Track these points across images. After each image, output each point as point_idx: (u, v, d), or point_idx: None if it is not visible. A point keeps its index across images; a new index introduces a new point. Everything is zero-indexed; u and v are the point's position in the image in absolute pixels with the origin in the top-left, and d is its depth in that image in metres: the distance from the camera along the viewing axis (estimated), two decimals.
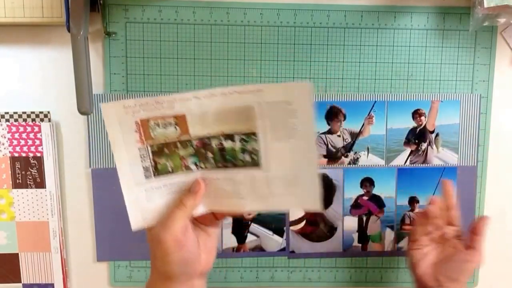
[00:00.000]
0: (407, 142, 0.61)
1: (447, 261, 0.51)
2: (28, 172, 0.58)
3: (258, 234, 0.61)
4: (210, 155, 0.41)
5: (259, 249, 0.62)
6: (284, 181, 0.41)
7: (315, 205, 0.40)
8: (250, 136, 0.40)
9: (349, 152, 0.61)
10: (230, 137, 0.40)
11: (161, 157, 0.41)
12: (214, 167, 0.42)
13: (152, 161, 0.41)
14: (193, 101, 0.39)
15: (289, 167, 0.40)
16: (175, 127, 0.40)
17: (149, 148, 0.41)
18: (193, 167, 0.42)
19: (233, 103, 0.39)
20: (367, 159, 0.61)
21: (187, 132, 0.41)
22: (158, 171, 0.42)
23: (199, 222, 0.43)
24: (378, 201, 0.62)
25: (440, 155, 0.61)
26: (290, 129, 0.39)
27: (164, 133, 0.40)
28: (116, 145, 0.40)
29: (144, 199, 0.42)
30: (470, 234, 0.51)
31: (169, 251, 0.39)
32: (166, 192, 0.42)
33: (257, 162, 0.41)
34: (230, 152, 0.41)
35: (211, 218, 0.44)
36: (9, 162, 0.58)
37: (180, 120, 0.40)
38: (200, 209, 0.43)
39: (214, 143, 0.41)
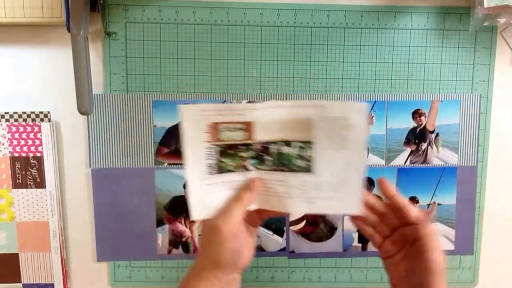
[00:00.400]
0: (407, 142, 0.61)
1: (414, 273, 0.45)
2: (28, 172, 0.58)
3: (258, 234, 0.61)
4: (268, 158, 0.46)
5: (259, 249, 0.62)
6: (332, 186, 0.45)
7: (357, 210, 0.46)
8: (307, 144, 0.45)
9: None
10: (288, 144, 0.45)
11: (225, 156, 0.46)
12: (270, 169, 0.46)
13: (216, 160, 0.46)
14: (262, 111, 0.44)
15: (338, 174, 0.45)
16: (242, 132, 0.45)
17: (216, 147, 0.45)
18: (251, 168, 0.46)
19: (296, 115, 0.44)
20: (367, 159, 0.61)
21: (252, 137, 0.45)
22: (220, 168, 0.46)
23: (244, 220, 0.46)
24: None
25: (440, 155, 0.61)
26: (344, 141, 0.44)
27: (231, 136, 0.45)
28: (188, 143, 0.45)
29: (205, 192, 0.46)
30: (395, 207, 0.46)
31: (225, 239, 0.43)
32: (224, 188, 0.46)
33: (310, 168, 0.45)
34: (286, 157, 0.46)
35: (255, 218, 0.47)
36: (9, 162, 0.58)
37: (248, 126, 0.45)
38: (252, 206, 0.47)
39: (274, 148, 0.46)
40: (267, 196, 0.47)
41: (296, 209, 0.47)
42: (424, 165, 0.61)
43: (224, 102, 0.59)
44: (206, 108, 0.44)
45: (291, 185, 0.46)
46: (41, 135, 0.58)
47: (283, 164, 0.46)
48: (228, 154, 0.46)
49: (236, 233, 0.43)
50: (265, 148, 0.46)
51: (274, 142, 0.46)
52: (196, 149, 0.45)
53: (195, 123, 0.44)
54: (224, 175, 0.46)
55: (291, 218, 0.48)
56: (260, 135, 0.45)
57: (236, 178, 0.47)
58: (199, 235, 0.46)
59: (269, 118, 0.45)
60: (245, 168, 0.47)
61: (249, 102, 0.48)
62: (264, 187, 0.47)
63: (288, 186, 0.46)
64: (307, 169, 0.46)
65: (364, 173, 0.45)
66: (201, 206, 0.46)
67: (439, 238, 0.44)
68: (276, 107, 0.45)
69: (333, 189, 0.45)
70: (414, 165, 0.61)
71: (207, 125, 0.44)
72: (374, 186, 0.61)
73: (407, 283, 0.45)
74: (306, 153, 0.45)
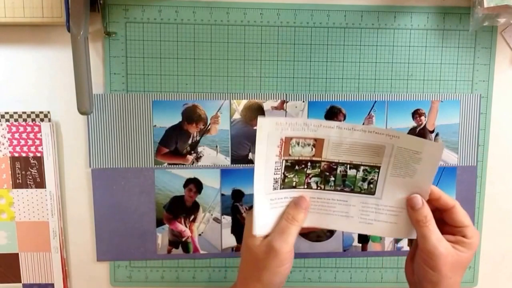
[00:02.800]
0: None
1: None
2: (28, 172, 0.58)
3: None
4: (332, 178, 0.47)
5: None
6: (392, 211, 0.46)
7: (411, 236, 0.47)
8: (373, 168, 0.46)
9: None
10: (355, 167, 0.46)
11: (291, 172, 0.46)
12: (332, 189, 0.47)
13: (282, 174, 0.46)
14: (335, 130, 0.44)
15: (399, 200, 0.46)
16: (311, 148, 0.45)
17: (284, 162, 0.45)
18: (313, 185, 0.47)
19: (369, 140, 0.44)
20: None
21: (320, 155, 0.46)
22: (284, 184, 0.46)
23: None
24: None
25: None
26: (411, 171, 0.44)
27: (301, 152, 0.45)
28: (260, 155, 0.44)
29: (268, 206, 0.46)
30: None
31: (284, 262, 0.43)
32: (285, 204, 0.46)
33: (373, 191, 0.47)
34: (351, 179, 0.46)
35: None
36: (9, 162, 0.58)
37: (318, 143, 0.45)
38: (304, 224, 0.47)
39: (340, 170, 0.46)
40: (324, 215, 0.47)
41: (353, 229, 0.48)
42: None
43: (221, 106, 0.59)
44: (280, 121, 0.44)
45: (351, 205, 0.47)
46: (41, 135, 0.58)
47: (346, 185, 0.47)
48: (294, 170, 0.46)
49: (292, 253, 0.44)
50: (331, 168, 0.46)
51: (342, 164, 0.46)
52: (266, 163, 0.45)
53: (269, 136, 0.44)
54: (286, 190, 0.46)
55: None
56: (329, 154, 0.46)
57: (296, 194, 0.47)
58: (240, 246, 0.46)
59: (341, 139, 0.45)
60: (308, 186, 0.47)
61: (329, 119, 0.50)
62: (322, 205, 0.47)
63: (348, 206, 0.47)
64: (370, 192, 0.47)
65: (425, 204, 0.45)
66: (264, 221, 0.45)
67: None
68: (351, 129, 0.44)
69: (391, 214, 0.46)
70: None
71: (281, 139, 0.44)
72: None
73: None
74: (371, 176, 0.46)
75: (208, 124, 0.59)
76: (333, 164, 0.46)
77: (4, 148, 0.58)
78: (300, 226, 0.45)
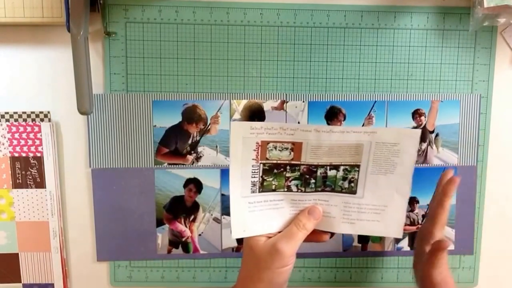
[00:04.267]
0: None
1: None
2: (28, 172, 0.58)
3: None
4: (312, 181, 0.46)
5: None
6: (374, 209, 0.47)
7: (398, 233, 0.47)
8: (353, 167, 0.46)
9: None
10: (335, 167, 0.46)
11: (269, 175, 0.46)
12: (313, 191, 0.47)
13: (260, 178, 0.46)
14: (312, 133, 0.44)
15: (381, 197, 0.46)
16: (290, 152, 0.45)
17: (261, 166, 0.45)
18: (294, 188, 0.47)
19: (347, 140, 0.44)
20: None
21: (299, 158, 0.45)
22: (263, 187, 0.46)
23: None
24: None
25: (440, 155, 0.61)
26: (391, 165, 0.45)
27: (279, 155, 0.45)
28: (234, 159, 0.45)
29: (247, 210, 0.46)
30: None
31: (287, 263, 0.44)
32: (266, 207, 0.47)
33: (354, 190, 0.47)
34: (331, 179, 0.47)
35: None
36: (9, 162, 0.58)
37: (296, 147, 0.45)
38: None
39: (320, 171, 0.46)
40: None
41: (337, 229, 0.48)
42: (424, 165, 0.61)
43: (221, 106, 0.59)
44: (255, 126, 0.44)
45: (333, 205, 0.47)
46: (41, 135, 0.58)
47: (326, 185, 0.47)
48: (273, 173, 0.46)
49: (294, 256, 0.45)
50: (311, 171, 0.46)
51: (321, 166, 0.46)
52: (242, 167, 0.45)
53: (245, 140, 0.44)
54: (266, 194, 0.47)
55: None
56: (308, 157, 0.45)
57: (278, 198, 0.47)
58: (239, 249, 0.48)
59: (319, 141, 0.45)
60: (288, 189, 0.47)
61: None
62: (304, 207, 0.47)
63: (330, 206, 0.47)
64: (351, 191, 0.47)
65: (408, 198, 0.46)
66: (242, 224, 0.46)
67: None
68: (329, 131, 0.44)
69: (375, 212, 0.47)
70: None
71: (257, 143, 0.44)
72: None
73: None
74: (351, 175, 0.46)
75: (208, 124, 0.59)
76: (313, 166, 0.46)
77: (4, 148, 0.58)
78: (307, 234, 0.46)
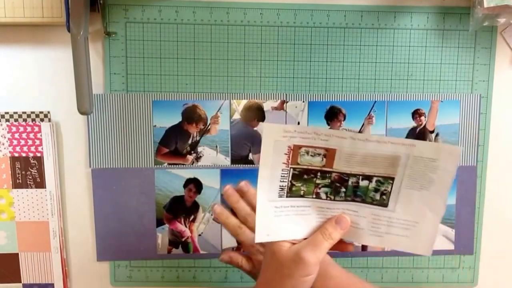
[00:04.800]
0: None
1: None
2: (28, 172, 0.58)
3: None
4: (343, 189, 0.45)
5: None
6: (405, 224, 0.45)
7: (427, 252, 0.45)
8: (387, 179, 0.44)
9: None
10: (368, 177, 0.44)
11: (299, 181, 0.44)
12: (343, 200, 0.45)
13: (289, 182, 0.44)
14: (348, 140, 0.42)
15: (413, 213, 0.44)
16: (322, 158, 0.43)
17: (291, 170, 0.44)
18: (323, 196, 0.45)
19: (383, 150, 0.42)
20: None
21: (331, 165, 0.44)
22: (291, 192, 0.45)
23: None
24: None
25: None
26: (427, 181, 0.43)
27: (310, 161, 0.43)
28: (265, 162, 0.43)
29: (273, 214, 0.44)
30: None
31: (311, 272, 0.43)
32: (292, 213, 0.45)
33: (386, 203, 0.45)
34: (363, 189, 0.44)
35: None
36: (9, 162, 0.58)
37: (329, 153, 0.43)
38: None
39: (351, 181, 0.44)
40: None
41: (364, 240, 0.46)
42: None
43: (221, 106, 0.59)
44: (289, 129, 0.42)
45: (362, 216, 0.46)
46: (41, 135, 0.58)
47: (357, 195, 0.45)
48: (303, 179, 0.45)
49: (316, 268, 0.44)
50: (342, 179, 0.45)
51: (353, 175, 0.44)
52: (272, 170, 0.44)
53: (276, 143, 0.43)
54: (294, 199, 0.45)
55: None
56: (340, 165, 0.44)
57: (305, 204, 0.45)
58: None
59: (353, 150, 0.43)
60: (317, 196, 0.45)
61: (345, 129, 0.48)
62: (332, 216, 0.46)
63: (359, 217, 0.46)
64: (382, 203, 0.45)
65: (441, 217, 0.44)
66: (267, 228, 0.44)
67: None
68: (364, 140, 0.42)
69: (405, 227, 0.45)
70: None
71: (288, 147, 0.43)
72: None
73: None
74: (384, 187, 0.44)
75: (208, 124, 0.59)
76: (345, 175, 0.44)
77: (4, 148, 0.58)
78: (333, 244, 0.45)
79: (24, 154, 0.58)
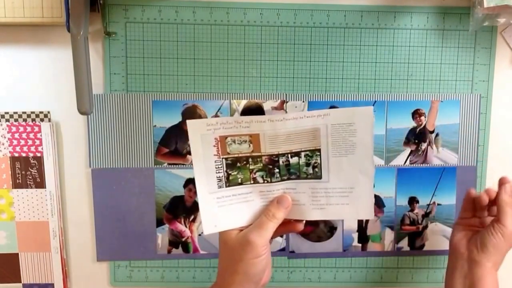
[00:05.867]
0: (407, 142, 0.61)
1: (478, 234, 0.53)
2: (28, 172, 0.58)
3: None
4: (276, 170, 0.47)
5: None
6: (341, 192, 0.47)
7: (368, 215, 0.47)
8: (314, 152, 0.46)
9: None
10: (296, 154, 0.46)
11: (234, 169, 0.46)
12: (279, 180, 0.47)
13: (225, 173, 0.46)
14: (267, 123, 0.45)
15: (347, 179, 0.46)
16: (249, 144, 0.46)
17: (224, 161, 0.46)
18: (260, 180, 0.47)
19: (302, 125, 0.45)
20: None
21: (259, 149, 0.46)
22: (229, 181, 0.47)
23: None
24: (377, 201, 0.62)
25: (440, 155, 0.62)
26: (350, 146, 0.45)
27: (239, 149, 0.46)
28: (196, 156, 0.45)
29: (216, 205, 0.47)
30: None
31: (260, 253, 0.44)
32: (235, 201, 0.47)
33: (319, 175, 0.46)
34: (295, 166, 0.47)
35: None
36: (9, 162, 0.58)
37: (254, 138, 0.45)
38: None
39: (282, 160, 0.46)
40: None
41: (308, 216, 0.48)
42: (424, 165, 0.61)
43: (221, 106, 0.59)
44: (211, 122, 0.45)
45: (301, 192, 0.47)
46: (41, 135, 0.58)
47: (291, 173, 0.47)
48: (237, 167, 0.46)
49: (268, 246, 0.45)
50: (273, 160, 0.47)
51: (282, 154, 0.46)
52: (205, 163, 0.46)
53: (203, 137, 0.45)
54: (233, 188, 0.47)
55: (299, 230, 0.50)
56: (267, 148, 0.46)
57: (246, 191, 0.47)
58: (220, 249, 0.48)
59: (275, 131, 0.45)
60: (255, 181, 0.47)
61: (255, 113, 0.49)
62: (273, 198, 0.47)
63: (298, 193, 0.47)
64: (316, 176, 0.47)
65: (373, 177, 0.46)
66: (213, 220, 0.46)
67: None
68: (282, 119, 0.45)
69: (343, 195, 0.46)
70: (414, 165, 0.61)
71: (215, 139, 0.45)
72: (374, 186, 0.61)
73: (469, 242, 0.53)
74: (313, 160, 0.46)
75: None
76: (274, 156, 0.46)
77: (4, 148, 0.58)
78: (278, 223, 0.46)
79: (24, 154, 0.58)
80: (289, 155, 0.46)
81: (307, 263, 0.63)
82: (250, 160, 0.46)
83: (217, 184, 0.46)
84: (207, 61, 0.58)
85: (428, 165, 0.62)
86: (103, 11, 0.56)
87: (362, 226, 0.62)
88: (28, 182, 0.58)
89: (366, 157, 0.45)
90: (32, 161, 0.58)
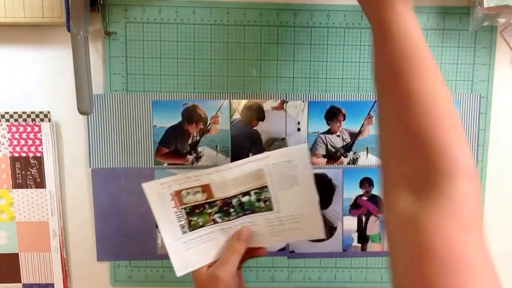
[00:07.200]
0: None
1: None
2: (28, 172, 0.58)
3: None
4: (232, 209, 0.52)
5: None
6: (293, 218, 0.51)
7: (319, 235, 0.53)
8: (262, 188, 0.51)
9: (349, 152, 0.61)
10: (246, 193, 0.51)
11: (193, 215, 0.52)
12: (236, 217, 0.52)
13: (186, 220, 0.51)
14: (214, 174, 0.50)
15: (296, 207, 0.51)
16: (202, 193, 0.51)
17: (183, 210, 0.51)
18: (219, 220, 0.52)
19: (246, 170, 0.50)
20: (366, 159, 0.61)
21: (212, 196, 0.51)
22: (192, 226, 0.52)
23: None
24: (377, 201, 0.62)
25: None
26: (293, 179, 0.50)
27: (194, 198, 0.51)
28: (157, 212, 0.50)
29: (184, 249, 0.52)
30: None
31: (229, 285, 0.49)
32: (201, 241, 0.52)
33: (271, 207, 0.52)
34: (247, 203, 0.52)
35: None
36: (9, 162, 0.58)
37: (205, 188, 0.50)
38: None
39: (234, 201, 0.51)
40: None
41: (268, 242, 0.53)
42: None
43: (221, 106, 0.59)
44: (164, 181, 0.49)
45: (257, 224, 0.52)
46: (41, 135, 0.58)
47: (246, 209, 0.52)
48: (196, 213, 0.51)
49: (234, 278, 0.50)
50: (226, 203, 0.51)
51: (234, 196, 0.51)
52: (167, 216, 0.50)
53: (159, 195, 0.50)
54: (197, 231, 0.52)
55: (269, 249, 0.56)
56: (219, 193, 0.51)
57: (209, 231, 0.52)
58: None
59: (223, 179, 0.50)
60: (214, 221, 0.52)
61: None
62: (236, 231, 0.52)
63: (255, 225, 0.52)
64: (268, 208, 0.52)
65: (318, 202, 0.51)
66: (183, 262, 0.51)
67: None
68: (227, 169, 0.50)
69: (294, 221, 0.52)
70: None
71: (171, 194, 0.50)
72: (373, 186, 0.62)
73: None
74: (263, 195, 0.51)
75: (208, 124, 0.59)
76: (227, 199, 0.51)
77: (4, 148, 0.58)
78: (241, 254, 0.51)
79: (24, 154, 0.58)
80: (240, 196, 0.51)
81: (307, 263, 0.63)
82: (206, 205, 0.51)
83: (181, 230, 0.51)
84: (207, 61, 0.58)
85: None
86: (103, 11, 0.56)
87: (361, 226, 0.62)
88: (28, 182, 0.58)
89: (309, 187, 0.50)
90: (32, 161, 0.58)
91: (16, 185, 0.58)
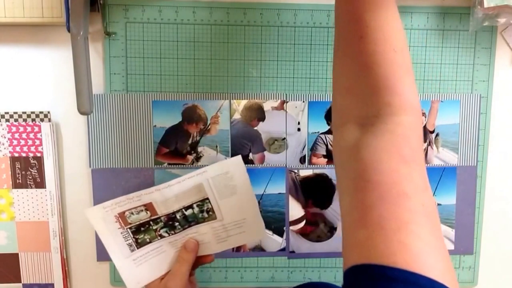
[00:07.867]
0: None
1: None
2: (28, 172, 0.58)
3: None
4: (176, 223, 0.53)
5: (259, 249, 0.62)
6: (236, 224, 0.54)
7: (261, 236, 0.58)
8: (204, 201, 0.53)
9: None
10: (189, 207, 0.53)
11: (140, 233, 0.53)
12: (182, 230, 0.54)
13: (133, 238, 0.53)
14: (155, 193, 0.51)
15: (238, 213, 0.54)
16: (146, 212, 0.52)
17: (128, 230, 0.52)
18: (165, 234, 0.54)
19: (186, 186, 0.52)
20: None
21: (156, 213, 0.52)
22: (139, 244, 0.53)
23: None
24: None
25: (440, 155, 0.62)
26: (232, 188, 0.53)
27: (138, 217, 0.52)
28: (103, 235, 0.52)
29: (134, 266, 0.54)
30: None
31: None
32: (150, 256, 0.54)
33: (214, 216, 0.54)
34: (191, 216, 0.53)
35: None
36: (9, 162, 0.58)
37: (148, 206, 0.52)
38: None
39: (178, 215, 0.53)
40: None
41: (215, 249, 0.55)
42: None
43: (221, 106, 0.59)
44: (106, 205, 0.51)
45: (203, 233, 0.54)
46: (41, 135, 0.58)
47: (190, 221, 0.54)
48: (142, 231, 0.53)
49: (187, 286, 0.52)
50: (170, 218, 0.53)
51: (177, 211, 0.53)
52: (113, 237, 0.52)
53: (104, 218, 0.51)
54: (145, 247, 0.54)
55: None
56: (162, 210, 0.52)
57: (157, 246, 0.54)
58: None
59: (164, 197, 0.51)
60: (161, 236, 0.54)
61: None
62: (183, 243, 0.54)
63: (201, 235, 0.54)
64: (212, 218, 0.54)
65: (257, 206, 0.54)
66: (135, 278, 0.53)
67: None
68: (167, 186, 0.51)
69: (238, 226, 0.54)
70: None
71: (115, 216, 0.51)
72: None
73: None
74: (206, 207, 0.53)
75: (208, 124, 0.59)
76: (171, 214, 0.53)
77: (4, 148, 0.58)
78: (191, 264, 0.53)
79: (24, 154, 0.58)
80: (184, 209, 0.53)
81: (307, 263, 0.63)
82: (151, 222, 0.53)
83: (129, 249, 0.53)
84: (207, 61, 0.58)
85: (428, 165, 0.62)
86: (103, 11, 0.56)
87: None
88: (28, 182, 0.58)
89: (248, 193, 0.53)
90: (32, 161, 0.58)
91: (16, 185, 0.58)
